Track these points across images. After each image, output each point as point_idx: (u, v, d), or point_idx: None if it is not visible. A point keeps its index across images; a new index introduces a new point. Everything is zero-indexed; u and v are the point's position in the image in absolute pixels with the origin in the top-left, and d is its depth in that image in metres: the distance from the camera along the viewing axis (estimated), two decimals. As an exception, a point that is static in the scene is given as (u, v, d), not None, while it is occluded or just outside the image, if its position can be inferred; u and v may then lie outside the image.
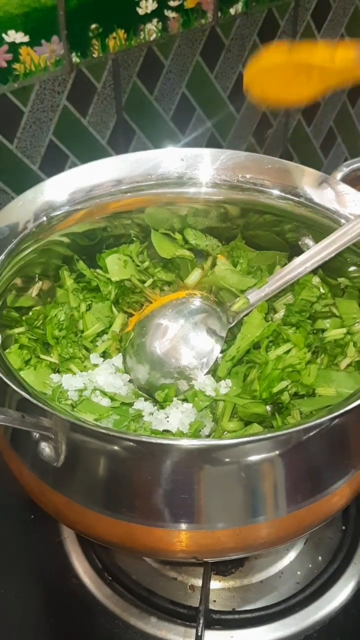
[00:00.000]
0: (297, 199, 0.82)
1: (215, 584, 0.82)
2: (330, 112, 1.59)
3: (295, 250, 0.83)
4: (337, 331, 0.80)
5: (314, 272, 0.81)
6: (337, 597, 0.80)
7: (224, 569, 0.83)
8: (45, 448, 0.63)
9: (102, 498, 0.65)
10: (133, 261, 0.87)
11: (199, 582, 0.80)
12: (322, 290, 0.80)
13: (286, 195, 0.82)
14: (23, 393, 0.61)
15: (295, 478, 0.65)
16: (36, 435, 0.64)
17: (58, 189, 0.81)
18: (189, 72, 1.27)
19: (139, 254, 0.88)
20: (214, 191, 0.84)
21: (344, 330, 0.79)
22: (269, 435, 0.61)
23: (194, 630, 0.75)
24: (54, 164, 1.16)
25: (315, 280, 0.81)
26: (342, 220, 0.79)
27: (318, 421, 0.60)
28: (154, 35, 1.18)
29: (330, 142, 1.64)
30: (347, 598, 0.80)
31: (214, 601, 0.81)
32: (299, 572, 0.83)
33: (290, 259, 0.83)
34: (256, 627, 0.78)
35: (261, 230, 0.87)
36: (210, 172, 0.84)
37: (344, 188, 0.80)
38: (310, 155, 1.61)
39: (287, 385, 0.74)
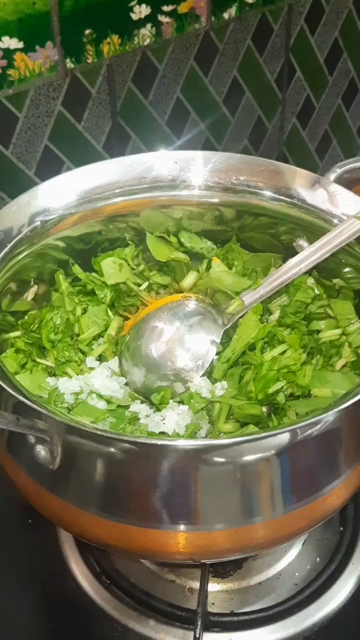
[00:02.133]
0: (290, 200, 0.82)
1: (213, 586, 0.82)
2: (325, 115, 1.60)
3: (290, 252, 0.83)
4: (332, 332, 0.80)
5: (309, 273, 0.81)
6: (335, 598, 0.80)
7: (222, 571, 0.83)
8: (41, 451, 0.64)
9: (98, 500, 0.65)
10: (128, 264, 0.87)
11: (197, 585, 0.80)
12: (316, 291, 0.81)
13: (279, 197, 0.82)
14: (18, 395, 0.61)
15: (290, 478, 0.65)
16: (32, 438, 0.64)
17: (52, 193, 0.81)
18: (184, 76, 1.27)
19: (134, 257, 0.88)
20: (207, 193, 0.84)
21: (339, 331, 0.80)
22: (263, 434, 0.61)
23: (192, 633, 0.75)
24: (50, 170, 1.16)
25: (310, 281, 0.81)
26: (335, 221, 0.80)
27: (312, 420, 0.60)
28: (148, 40, 1.18)
29: (325, 145, 1.64)
30: (345, 599, 0.80)
31: (213, 603, 0.81)
32: (297, 574, 0.83)
33: (285, 260, 0.83)
34: (254, 629, 0.78)
35: (256, 233, 0.88)
36: (203, 174, 0.84)
37: (336, 188, 0.80)
38: (305, 158, 1.61)
39: (283, 386, 0.74)
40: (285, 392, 0.75)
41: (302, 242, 0.83)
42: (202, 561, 0.76)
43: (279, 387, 0.74)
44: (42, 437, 0.63)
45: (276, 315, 0.81)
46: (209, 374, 0.79)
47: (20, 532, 0.87)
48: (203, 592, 0.77)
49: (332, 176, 0.81)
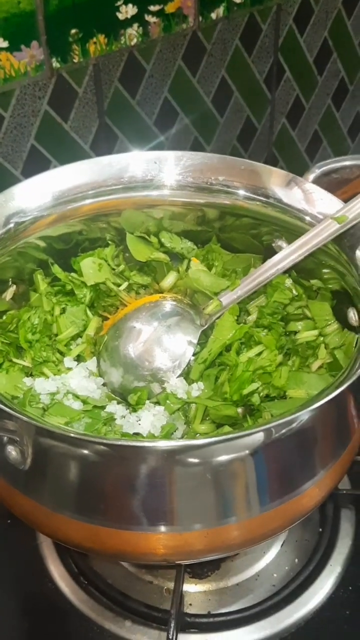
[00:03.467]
0: (265, 199, 0.81)
1: (191, 587, 0.82)
2: (315, 115, 1.60)
3: (270, 253, 0.83)
4: (309, 333, 0.80)
5: (287, 274, 0.81)
6: (312, 599, 0.80)
7: (199, 572, 0.83)
8: (12, 451, 0.64)
9: (70, 501, 0.65)
10: (108, 264, 0.87)
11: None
12: (294, 292, 0.80)
13: (255, 196, 0.82)
14: (-13, 396, 0.61)
15: (265, 479, 0.65)
16: (3, 438, 0.64)
17: (28, 194, 0.81)
18: (171, 76, 1.27)
19: (114, 257, 0.88)
20: (182, 193, 0.84)
21: (316, 332, 0.79)
22: (238, 434, 0.61)
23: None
24: (36, 169, 1.13)
25: (288, 282, 0.81)
26: (307, 218, 0.79)
27: (286, 419, 0.60)
28: (134, 40, 1.18)
29: (315, 145, 1.64)
30: (322, 600, 0.80)
31: (190, 604, 0.81)
32: (275, 575, 0.83)
33: (264, 261, 0.82)
34: (231, 630, 0.78)
35: (236, 233, 0.87)
36: (178, 173, 0.84)
37: (311, 187, 0.80)
38: (295, 158, 1.61)
39: (258, 388, 0.74)
40: (261, 394, 0.75)
41: (281, 243, 0.83)
42: (176, 562, 0.76)
43: (254, 388, 0.74)
44: (12, 438, 0.63)
45: (254, 316, 0.81)
46: (185, 374, 0.79)
47: (-1, 532, 0.87)
48: (178, 593, 0.77)
49: (311, 177, 0.81)
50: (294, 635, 0.77)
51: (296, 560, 0.84)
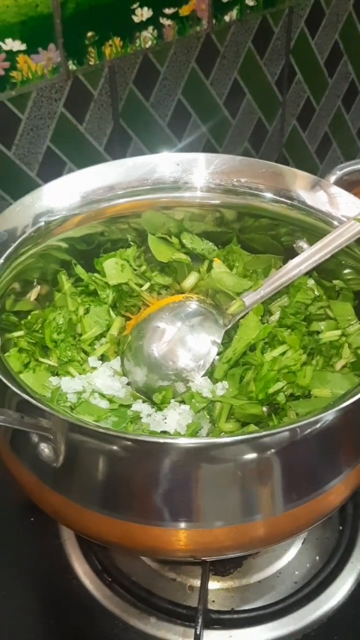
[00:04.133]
0: (290, 202, 0.83)
1: (214, 584, 0.83)
2: (326, 117, 1.61)
3: (290, 254, 0.84)
4: (332, 333, 0.81)
5: (309, 274, 0.82)
6: (334, 596, 0.81)
7: (222, 569, 0.84)
8: (45, 449, 0.64)
9: (100, 497, 0.66)
10: (130, 265, 0.88)
11: (197, 583, 0.81)
12: (316, 292, 0.81)
13: (280, 199, 0.83)
14: (22, 394, 0.62)
15: (290, 477, 0.66)
16: (35, 436, 0.64)
17: (56, 194, 0.82)
18: (185, 78, 1.28)
19: (136, 258, 0.89)
20: (209, 195, 0.85)
21: (339, 332, 0.80)
22: (263, 433, 0.62)
23: (193, 630, 0.76)
24: (52, 171, 1.17)
25: (310, 282, 0.82)
26: (335, 222, 0.80)
27: (312, 419, 0.61)
28: (149, 43, 1.19)
29: (325, 147, 1.65)
30: (344, 597, 0.81)
31: (213, 601, 0.81)
32: (296, 572, 0.84)
33: (285, 262, 0.83)
34: (254, 626, 0.79)
35: (256, 234, 0.88)
36: (205, 176, 0.85)
37: (336, 190, 0.81)
38: (305, 160, 1.62)
39: (283, 387, 0.75)
40: (286, 392, 0.75)
41: (302, 244, 0.84)
42: (202, 559, 0.76)
43: (279, 387, 0.74)
44: (45, 435, 0.63)
45: (277, 316, 0.82)
46: (210, 374, 0.80)
47: (23, 530, 0.87)
48: (204, 589, 0.78)
49: (332, 178, 0.82)
50: (316, 631, 0.78)
51: (317, 558, 0.85)
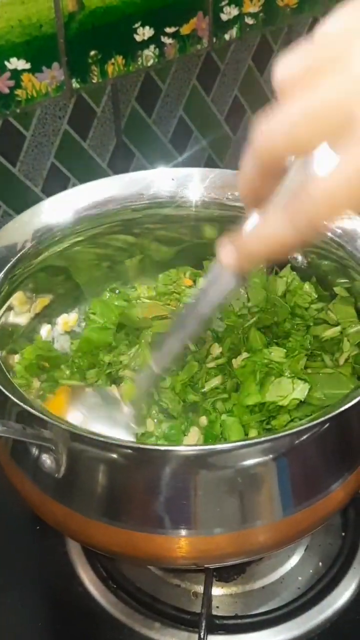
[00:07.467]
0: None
1: (217, 590, 0.84)
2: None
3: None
4: (332, 330, 0.81)
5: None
6: (337, 601, 0.81)
7: (226, 575, 0.85)
8: (47, 460, 0.65)
9: (102, 507, 0.66)
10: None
11: (201, 589, 0.81)
12: (314, 295, 0.82)
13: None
14: (23, 405, 0.62)
15: (290, 482, 0.66)
16: (37, 447, 0.65)
17: (54, 210, 0.84)
18: (186, 96, 1.30)
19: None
20: (204, 210, 0.86)
21: (339, 328, 0.81)
22: (263, 439, 0.63)
23: (197, 636, 0.76)
24: (56, 186, 1.19)
25: (306, 287, 0.83)
26: (328, 234, 0.82)
27: (310, 424, 0.62)
28: (151, 61, 1.22)
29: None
30: (347, 602, 0.81)
31: (217, 607, 0.82)
32: (299, 578, 0.85)
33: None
34: (258, 631, 0.79)
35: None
36: (200, 191, 0.87)
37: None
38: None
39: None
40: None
41: (297, 256, 0.85)
42: (205, 566, 0.77)
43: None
44: (47, 446, 0.64)
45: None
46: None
47: (28, 538, 0.88)
48: (207, 595, 0.79)
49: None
50: (320, 636, 0.79)
51: (320, 563, 0.86)
